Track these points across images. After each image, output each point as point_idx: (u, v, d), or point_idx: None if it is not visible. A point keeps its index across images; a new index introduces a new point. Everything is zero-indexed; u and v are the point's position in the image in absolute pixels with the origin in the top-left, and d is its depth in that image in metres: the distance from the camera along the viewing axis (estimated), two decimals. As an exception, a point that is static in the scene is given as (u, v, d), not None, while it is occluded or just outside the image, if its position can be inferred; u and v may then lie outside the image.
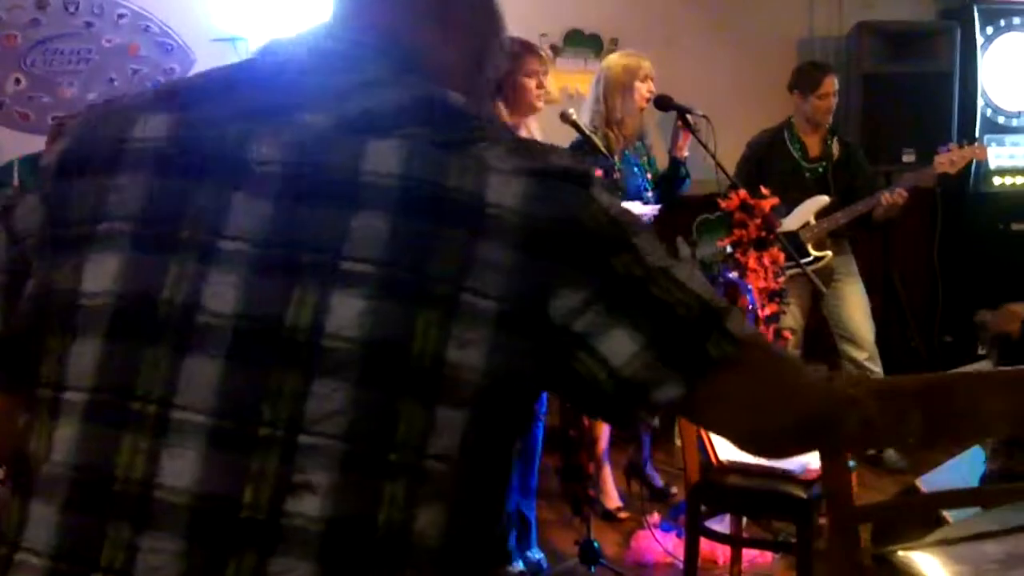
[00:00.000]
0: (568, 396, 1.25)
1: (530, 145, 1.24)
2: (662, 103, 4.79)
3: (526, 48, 4.36)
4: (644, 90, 4.95)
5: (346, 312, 1.12)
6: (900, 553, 1.76)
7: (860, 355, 5.71)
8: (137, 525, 1.11)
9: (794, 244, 5.18)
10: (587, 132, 4.34)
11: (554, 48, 6.63)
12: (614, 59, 5.17)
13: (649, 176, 5.06)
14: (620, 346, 1.17)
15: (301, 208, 1.17)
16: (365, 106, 1.20)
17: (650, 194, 5.02)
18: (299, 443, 1.11)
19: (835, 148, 5.68)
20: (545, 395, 4.43)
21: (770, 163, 5.53)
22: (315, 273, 1.14)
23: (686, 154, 4.96)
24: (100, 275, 1.19)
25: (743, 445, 1.38)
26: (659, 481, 5.32)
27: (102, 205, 1.21)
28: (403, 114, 1.20)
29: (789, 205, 5.31)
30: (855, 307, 5.72)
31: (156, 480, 1.12)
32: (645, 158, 5.09)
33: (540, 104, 4.37)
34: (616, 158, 4.84)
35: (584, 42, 6.72)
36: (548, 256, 1.15)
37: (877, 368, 5.72)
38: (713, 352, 1.19)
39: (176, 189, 1.20)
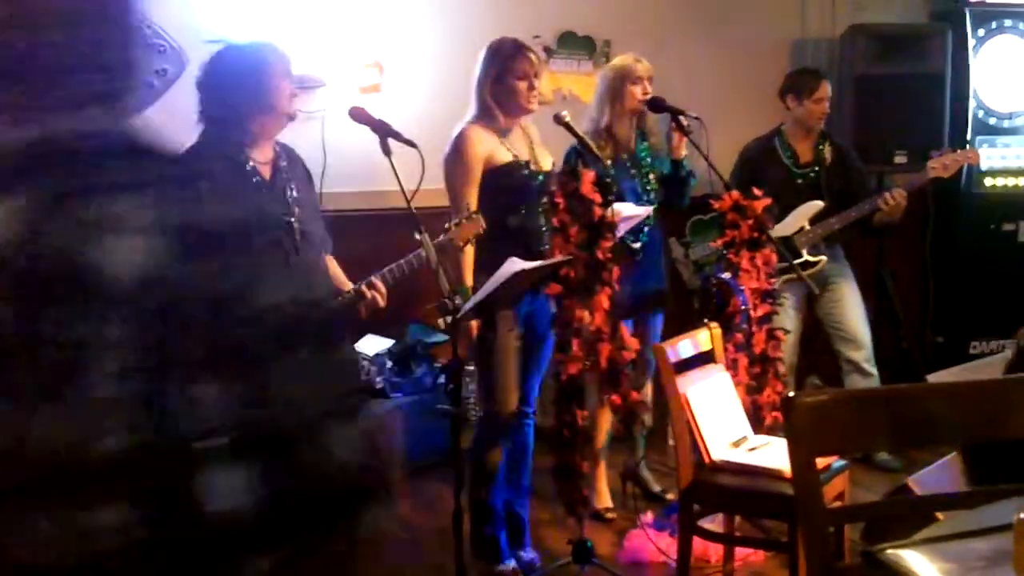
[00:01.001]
0: None
1: (173, 185, 1.06)
2: (655, 105, 4.81)
3: (517, 50, 4.36)
4: (638, 92, 4.93)
5: None
6: (889, 551, 1.78)
7: (858, 356, 5.74)
8: None
9: (789, 249, 5.21)
10: (580, 134, 4.34)
11: (547, 50, 6.64)
12: (611, 64, 5.18)
13: (652, 177, 5.05)
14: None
15: None
16: None
17: (653, 195, 5.02)
18: None
19: (827, 153, 5.70)
20: (536, 394, 4.45)
21: (762, 172, 5.53)
22: None
23: (684, 153, 4.96)
24: None
25: None
26: (655, 486, 5.33)
27: None
28: (22, 162, 1.01)
29: (783, 212, 5.32)
30: (851, 309, 5.75)
31: None
32: (649, 159, 5.08)
33: (532, 106, 4.37)
34: (608, 164, 4.83)
35: (577, 44, 6.73)
36: (177, 344, 1.02)
37: (873, 369, 5.75)
38: None
39: None
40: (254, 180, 3.60)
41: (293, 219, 3.65)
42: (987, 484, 3.10)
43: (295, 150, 3.89)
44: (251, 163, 3.62)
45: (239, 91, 3.57)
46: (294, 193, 3.71)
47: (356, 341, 5.40)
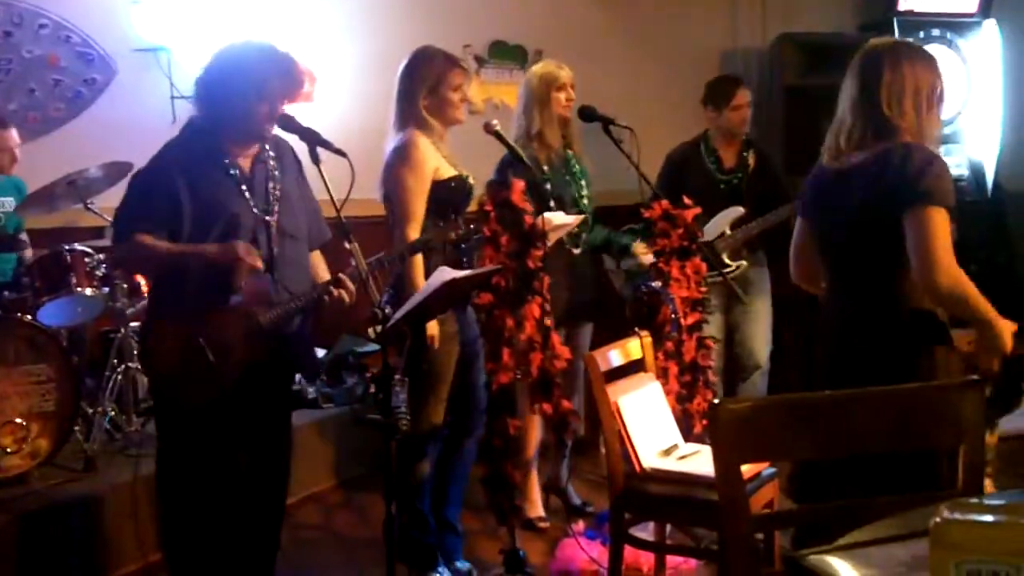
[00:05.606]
0: None
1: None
2: (586, 114, 4.81)
3: (450, 62, 4.36)
4: (562, 99, 4.98)
5: None
6: (812, 557, 1.79)
7: (751, 369, 5.85)
8: None
9: (711, 254, 5.25)
10: (511, 144, 4.34)
11: (478, 59, 6.66)
12: (534, 70, 5.19)
13: (583, 183, 5.08)
14: None
15: None
16: None
17: (585, 203, 5.04)
18: None
19: (750, 159, 5.76)
20: (483, 406, 4.39)
21: (686, 175, 5.60)
22: None
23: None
24: None
25: None
26: (577, 499, 5.33)
27: None
28: None
29: (705, 216, 5.36)
30: (760, 322, 5.87)
31: None
32: (577, 166, 5.11)
33: (463, 116, 4.38)
34: (545, 169, 4.87)
35: (508, 53, 6.75)
36: None
37: (764, 385, 5.89)
38: None
39: None
40: (230, 173, 3.55)
41: (270, 216, 3.60)
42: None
43: (286, 142, 3.77)
44: (228, 157, 3.56)
45: (222, 89, 3.53)
46: (277, 189, 3.65)
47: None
